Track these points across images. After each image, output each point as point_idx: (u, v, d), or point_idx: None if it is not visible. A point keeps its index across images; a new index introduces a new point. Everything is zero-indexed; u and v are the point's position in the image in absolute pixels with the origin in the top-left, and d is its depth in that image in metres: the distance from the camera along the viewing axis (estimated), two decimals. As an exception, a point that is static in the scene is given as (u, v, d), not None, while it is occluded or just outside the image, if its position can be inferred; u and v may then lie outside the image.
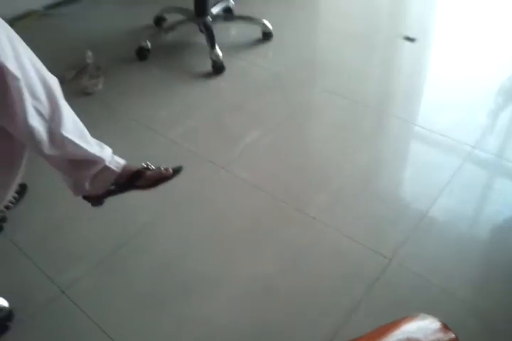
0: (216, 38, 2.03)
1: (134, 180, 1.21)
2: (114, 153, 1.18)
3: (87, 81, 1.93)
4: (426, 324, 0.58)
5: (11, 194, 1.16)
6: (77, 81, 1.93)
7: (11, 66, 0.92)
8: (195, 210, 1.44)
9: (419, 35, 2.19)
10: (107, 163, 1.14)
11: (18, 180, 1.12)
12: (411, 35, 2.19)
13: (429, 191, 1.45)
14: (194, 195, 1.49)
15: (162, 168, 1.25)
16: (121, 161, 1.20)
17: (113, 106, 1.86)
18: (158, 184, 1.24)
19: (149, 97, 1.90)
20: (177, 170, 1.27)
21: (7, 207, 1.34)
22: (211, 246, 1.33)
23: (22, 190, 1.38)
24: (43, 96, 0.99)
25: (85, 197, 1.23)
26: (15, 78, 0.93)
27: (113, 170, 1.16)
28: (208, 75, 2.01)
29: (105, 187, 1.20)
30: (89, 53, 2.05)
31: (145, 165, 1.23)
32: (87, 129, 1.11)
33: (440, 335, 0.56)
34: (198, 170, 1.56)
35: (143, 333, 1.14)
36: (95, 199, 1.23)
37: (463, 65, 2.02)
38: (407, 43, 2.16)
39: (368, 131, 1.75)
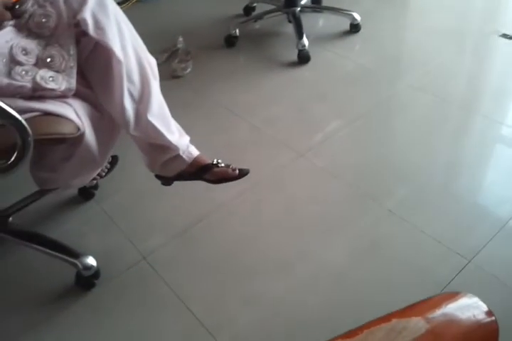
0: (304, 28, 2.04)
1: (201, 172, 1.24)
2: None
3: (177, 65, 2.03)
4: (468, 303, 0.57)
5: (106, 162, 1.25)
6: (168, 64, 2.04)
7: (117, 49, 0.99)
8: (272, 194, 1.48)
9: (518, 32, 2.08)
10: (181, 153, 1.19)
11: (112, 150, 1.21)
12: (508, 32, 2.08)
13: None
14: (272, 179, 1.52)
15: (230, 168, 1.27)
16: (195, 153, 1.23)
17: (200, 90, 1.94)
18: (222, 182, 1.26)
19: (235, 83, 1.96)
20: (243, 173, 1.28)
21: (100, 175, 1.44)
22: (285, 229, 1.36)
23: (114, 160, 1.48)
24: (136, 80, 1.06)
25: (157, 176, 1.30)
26: (119, 61, 1.00)
27: (184, 160, 1.21)
28: (293, 64, 2.03)
29: (174, 172, 1.25)
30: (181, 39, 2.14)
31: (215, 162, 1.26)
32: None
33: (479, 315, 0.54)
34: (277, 156, 1.59)
35: (212, 303, 1.20)
36: (165, 180, 1.30)
37: None
38: (504, 40, 2.06)
39: (453, 129, 1.69)
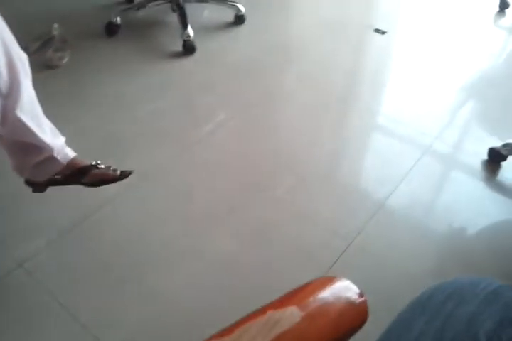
0: (188, 18, 2.00)
1: (79, 175, 1.18)
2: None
3: (53, 53, 1.87)
4: (342, 286, 0.60)
5: None
6: (42, 53, 1.87)
7: None
8: (162, 187, 1.44)
9: (390, 28, 2.24)
10: (55, 154, 1.12)
11: None
12: (382, 28, 2.23)
13: (390, 180, 1.50)
14: (160, 172, 1.48)
15: (111, 169, 1.22)
16: (71, 154, 1.17)
17: (79, 81, 1.81)
18: (103, 184, 1.21)
19: (117, 74, 1.86)
20: (125, 174, 1.23)
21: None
22: (176, 222, 1.34)
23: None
24: (4, 73, 0.97)
25: (27, 182, 1.20)
26: None
27: (59, 162, 1.14)
28: (178, 55, 1.98)
29: (47, 176, 1.17)
30: (56, 25, 1.98)
31: (94, 163, 1.19)
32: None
33: (351, 297, 0.58)
34: (165, 148, 1.55)
35: (99, 307, 1.14)
36: (36, 186, 1.20)
37: (430, 60, 2.07)
38: (377, 35, 2.20)
39: (334, 119, 1.78)
